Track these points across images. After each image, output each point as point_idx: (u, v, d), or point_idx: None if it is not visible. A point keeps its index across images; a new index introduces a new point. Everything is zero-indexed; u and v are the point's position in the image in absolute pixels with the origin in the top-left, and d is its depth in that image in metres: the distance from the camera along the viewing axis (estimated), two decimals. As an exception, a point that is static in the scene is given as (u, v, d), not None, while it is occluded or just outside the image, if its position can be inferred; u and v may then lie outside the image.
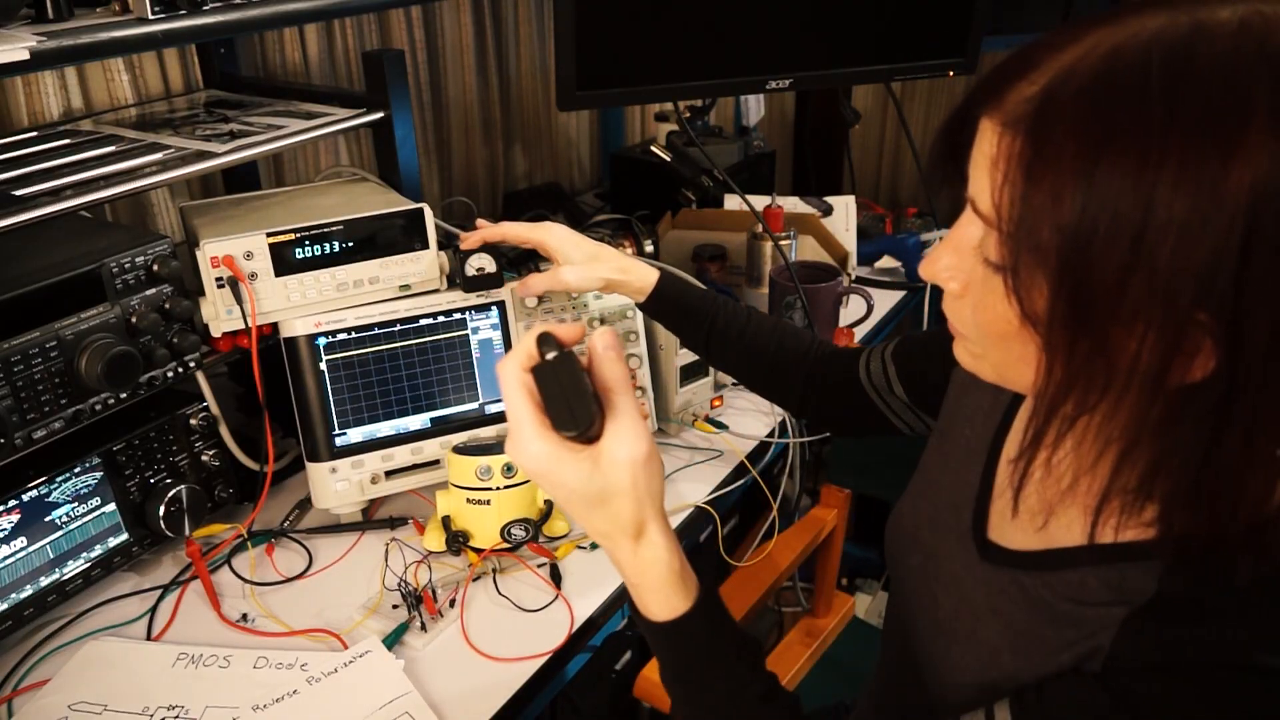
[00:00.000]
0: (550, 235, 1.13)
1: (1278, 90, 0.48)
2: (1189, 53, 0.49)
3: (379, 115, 1.21)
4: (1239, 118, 0.48)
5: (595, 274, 1.12)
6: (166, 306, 1.05)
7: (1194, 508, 0.57)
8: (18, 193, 0.94)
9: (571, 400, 0.63)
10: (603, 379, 0.65)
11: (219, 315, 1.08)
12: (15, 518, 0.96)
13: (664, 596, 0.69)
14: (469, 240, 1.16)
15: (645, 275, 1.13)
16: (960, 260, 0.62)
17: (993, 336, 0.61)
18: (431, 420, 1.19)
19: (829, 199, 1.78)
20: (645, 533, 0.67)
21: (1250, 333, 0.50)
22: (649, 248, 1.64)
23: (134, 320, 1.02)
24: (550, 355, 0.63)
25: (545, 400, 0.63)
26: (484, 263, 1.17)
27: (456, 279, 1.17)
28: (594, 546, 1.13)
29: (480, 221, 1.19)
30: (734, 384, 1.44)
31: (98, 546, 1.04)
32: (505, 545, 1.08)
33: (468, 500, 1.08)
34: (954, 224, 0.63)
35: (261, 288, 1.09)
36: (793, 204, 1.75)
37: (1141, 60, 0.50)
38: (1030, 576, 0.69)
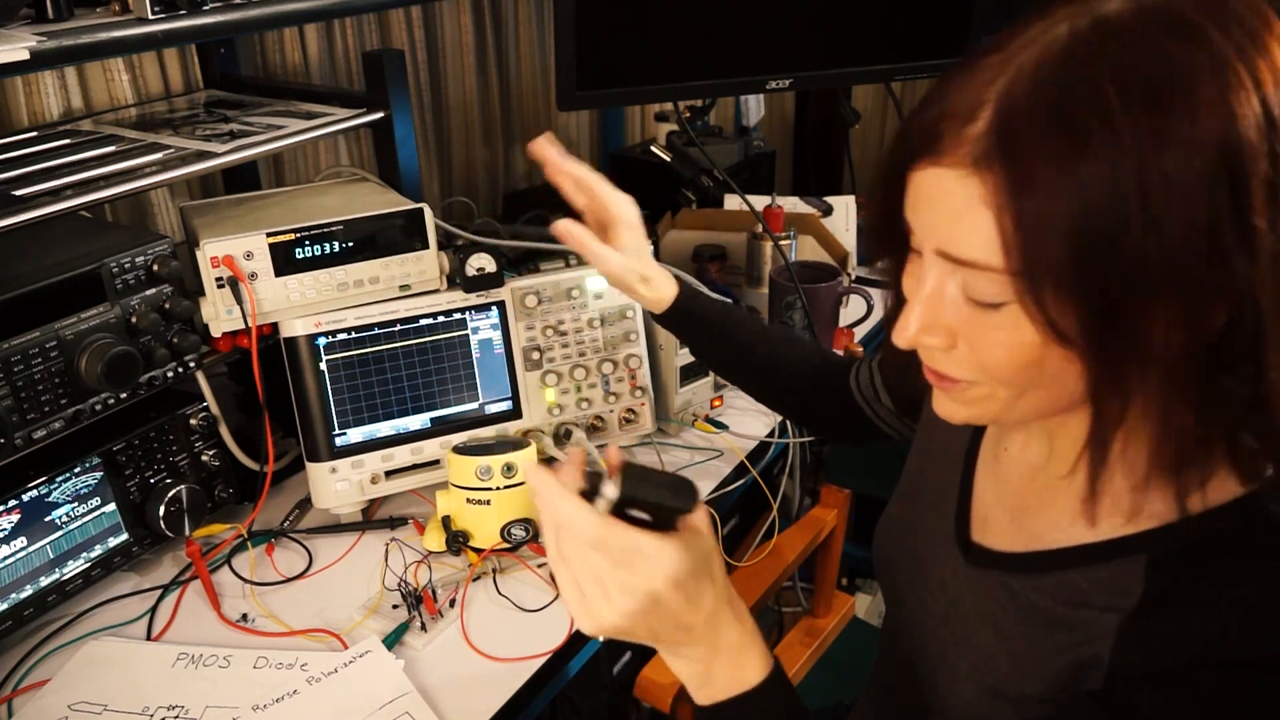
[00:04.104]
0: (625, 211, 1.04)
1: (1199, 50, 0.51)
2: (1109, 43, 0.52)
3: (379, 115, 1.21)
4: (1184, 77, 0.51)
5: (631, 272, 1.04)
6: (166, 306, 1.05)
7: (1249, 458, 0.58)
8: (18, 193, 0.94)
9: (672, 485, 0.64)
10: None
11: (219, 315, 1.08)
12: (15, 518, 0.96)
13: (762, 648, 0.68)
14: (544, 150, 1.02)
15: (665, 290, 1.08)
16: (936, 315, 0.61)
17: (1011, 370, 0.59)
18: (431, 420, 1.19)
19: (829, 199, 1.78)
20: (733, 599, 0.67)
21: (1263, 265, 0.51)
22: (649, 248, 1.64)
23: (134, 320, 1.02)
24: (619, 473, 0.63)
25: (655, 504, 0.64)
26: (484, 263, 1.17)
27: (456, 279, 1.17)
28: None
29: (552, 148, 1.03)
30: (734, 384, 1.44)
31: (98, 546, 1.04)
32: (505, 545, 1.08)
33: (468, 500, 1.08)
34: (909, 284, 0.63)
35: (261, 288, 1.09)
36: (793, 204, 1.75)
37: (1071, 65, 0.53)
38: (1017, 579, 0.69)
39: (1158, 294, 0.52)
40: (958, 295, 0.59)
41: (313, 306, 1.13)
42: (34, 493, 0.98)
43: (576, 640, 1.01)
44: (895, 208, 0.61)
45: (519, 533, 1.08)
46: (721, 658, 0.67)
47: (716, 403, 1.39)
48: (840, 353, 1.53)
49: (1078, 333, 0.54)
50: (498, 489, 1.07)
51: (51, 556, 1.00)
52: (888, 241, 0.65)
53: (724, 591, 0.66)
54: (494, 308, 1.20)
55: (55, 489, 0.99)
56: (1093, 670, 0.62)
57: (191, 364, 1.09)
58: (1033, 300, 0.54)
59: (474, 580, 1.07)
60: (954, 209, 0.56)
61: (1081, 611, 0.64)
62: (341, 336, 1.13)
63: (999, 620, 0.70)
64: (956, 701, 0.72)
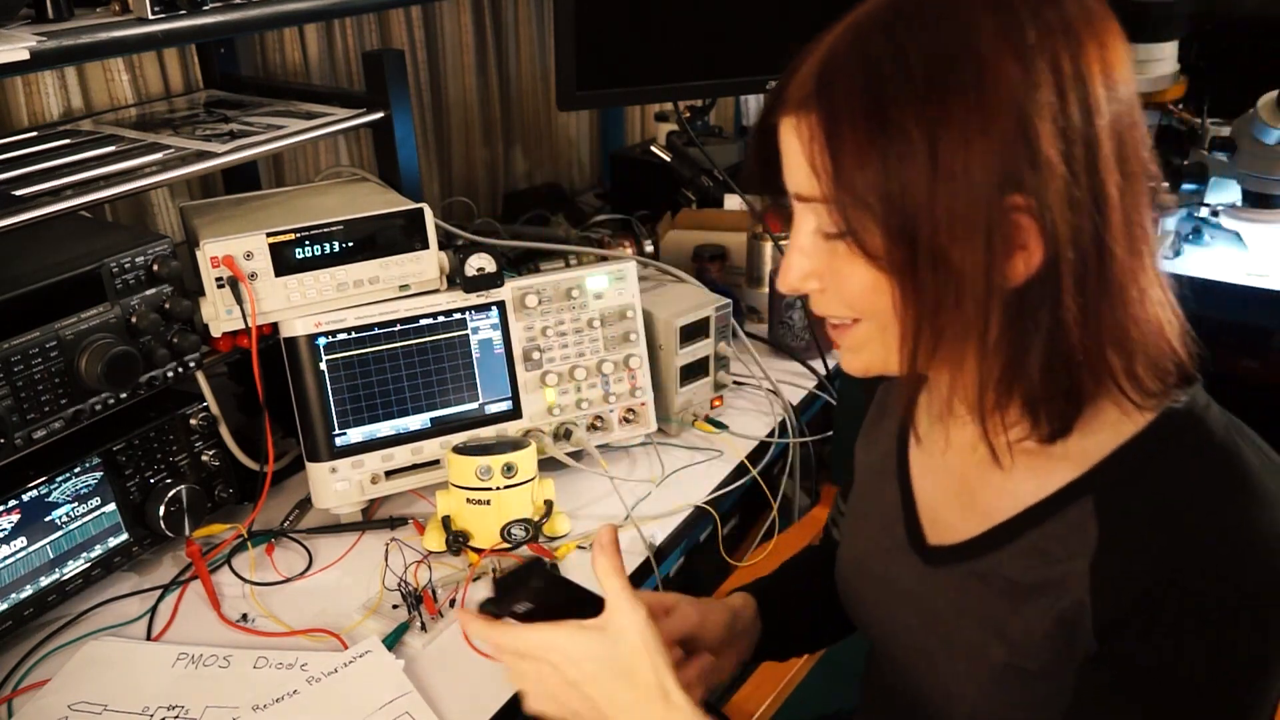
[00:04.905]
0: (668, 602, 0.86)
1: (999, 17, 0.57)
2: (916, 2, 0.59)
3: (379, 115, 1.21)
4: (972, 34, 0.57)
5: (715, 608, 0.88)
6: (166, 306, 1.05)
7: (1056, 398, 0.62)
8: (18, 193, 0.94)
9: (570, 592, 0.72)
10: (600, 567, 0.70)
11: (219, 315, 1.08)
12: (15, 518, 0.96)
13: None
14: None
15: (741, 598, 0.93)
16: (808, 259, 0.66)
17: (863, 304, 0.65)
18: (431, 420, 1.19)
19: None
20: (669, 693, 0.66)
21: (1055, 203, 0.57)
22: (649, 248, 1.64)
23: (134, 320, 1.02)
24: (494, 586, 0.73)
25: (546, 607, 0.70)
26: (484, 263, 1.17)
27: (456, 279, 1.17)
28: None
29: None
30: (734, 383, 1.44)
31: (98, 546, 1.04)
32: (505, 545, 1.08)
33: (468, 500, 1.08)
34: (790, 236, 0.68)
35: (261, 288, 1.09)
36: (793, 204, 1.75)
37: (881, 20, 0.60)
38: (982, 562, 0.71)
39: (955, 220, 0.57)
40: (816, 234, 0.65)
41: (313, 306, 1.13)
42: (34, 493, 0.97)
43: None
44: (771, 167, 0.67)
45: (519, 533, 1.08)
46: None
47: (717, 403, 1.39)
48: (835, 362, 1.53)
49: (886, 255, 0.60)
50: (498, 489, 1.07)
51: (51, 556, 1.00)
52: (774, 203, 0.71)
53: (652, 692, 0.66)
54: (494, 308, 1.20)
55: (55, 489, 0.99)
56: (1079, 620, 0.64)
57: (191, 364, 1.09)
58: (846, 225, 0.61)
59: (474, 580, 1.07)
60: (792, 150, 0.63)
61: (1051, 568, 0.66)
62: (341, 336, 1.13)
63: (978, 610, 0.71)
64: (963, 704, 0.73)
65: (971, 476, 0.73)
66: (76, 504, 1.01)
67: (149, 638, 1.01)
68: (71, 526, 1.01)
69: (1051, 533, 0.66)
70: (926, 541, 0.77)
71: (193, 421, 1.11)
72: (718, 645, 0.85)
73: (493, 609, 0.71)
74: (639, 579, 1.11)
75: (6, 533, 0.96)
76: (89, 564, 1.03)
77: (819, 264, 0.66)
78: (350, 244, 1.12)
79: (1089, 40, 0.58)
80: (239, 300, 1.07)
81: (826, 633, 0.98)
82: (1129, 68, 0.59)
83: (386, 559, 1.11)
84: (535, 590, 0.72)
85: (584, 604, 0.71)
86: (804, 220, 0.66)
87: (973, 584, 0.71)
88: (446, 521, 1.09)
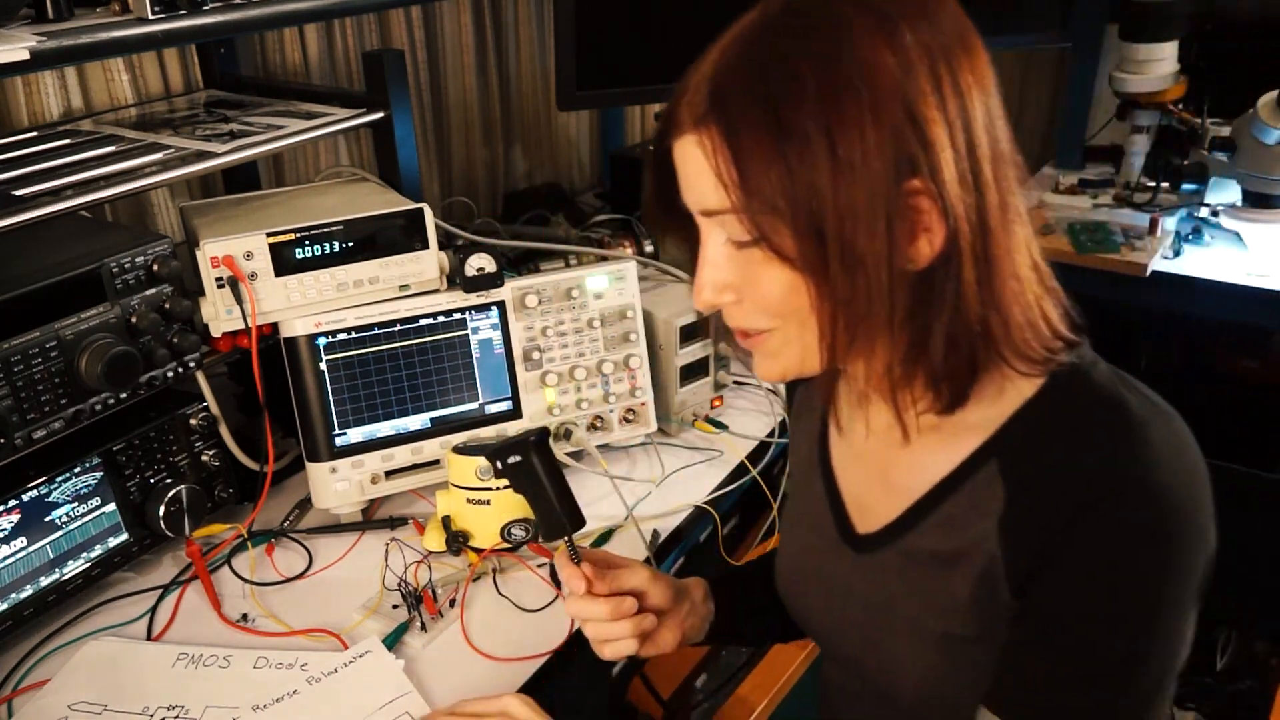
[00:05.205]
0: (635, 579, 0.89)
1: (867, 15, 0.60)
2: (794, 9, 0.62)
3: (379, 115, 1.21)
4: (848, 33, 0.60)
5: (672, 587, 0.91)
6: (166, 306, 1.05)
7: (957, 372, 0.66)
8: (18, 193, 0.94)
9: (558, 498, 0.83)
10: None
11: (219, 315, 1.08)
12: (15, 518, 0.96)
13: None
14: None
15: (697, 585, 0.96)
16: (721, 272, 0.67)
17: (782, 308, 0.66)
18: (431, 420, 1.19)
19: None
20: None
21: (949, 181, 0.60)
22: (649, 248, 1.64)
23: (134, 320, 1.02)
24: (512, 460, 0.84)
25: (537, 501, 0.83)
26: (484, 263, 1.17)
27: (456, 279, 1.17)
28: (594, 545, 1.13)
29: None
30: (735, 383, 1.44)
31: (98, 546, 1.04)
32: (505, 545, 1.08)
33: (468, 500, 1.08)
34: (699, 256, 0.69)
35: (261, 288, 1.09)
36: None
37: (761, 28, 0.62)
38: (905, 540, 0.73)
39: (858, 212, 0.59)
40: (727, 246, 0.66)
41: (313, 306, 1.13)
42: (34, 493, 0.98)
43: (576, 640, 1.01)
44: (669, 189, 0.68)
45: (519, 533, 1.08)
46: None
47: (716, 403, 1.39)
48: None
49: (798, 255, 0.62)
50: (498, 489, 1.07)
51: (51, 556, 1.00)
52: (674, 226, 0.72)
53: None
54: (494, 308, 1.20)
55: (55, 489, 0.99)
56: (996, 578, 0.67)
57: (191, 364, 1.09)
58: (758, 231, 0.62)
59: (474, 580, 1.07)
60: (694, 167, 0.64)
61: (967, 532, 0.69)
62: (341, 336, 1.13)
63: (910, 587, 0.74)
64: (909, 681, 0.75)
65: (887, 460, 0.76)
66: (76, 504, 1.01)
67: (149, 638, 1.01)
68: (71, 526, 1.01)
69: (963, 500, 0.69)
70: (855, 530, 0.79)
71: (193, 421, 1.11)
72: (665, 612, 0.90)
73: (492, 457, 0.85)
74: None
75: (6, 533, 0.96)
76: (89, 564, 1.03)
77: (733, 276, 0.67)
78: (350, 244, 1.12)
79: (954, 42, 0.62)
80: (239, 300, 1.07)
81: (795, 624, 1.00)
82: (989, 65, 0.64)
83: (386, 559, 1.11)
84: (527, 447, 0.85)
85: (557, 483, 0.84)
86: (712, 235, 0.67)
87: (901, 563, 0.74)
88: (446, 521, 1.09)
